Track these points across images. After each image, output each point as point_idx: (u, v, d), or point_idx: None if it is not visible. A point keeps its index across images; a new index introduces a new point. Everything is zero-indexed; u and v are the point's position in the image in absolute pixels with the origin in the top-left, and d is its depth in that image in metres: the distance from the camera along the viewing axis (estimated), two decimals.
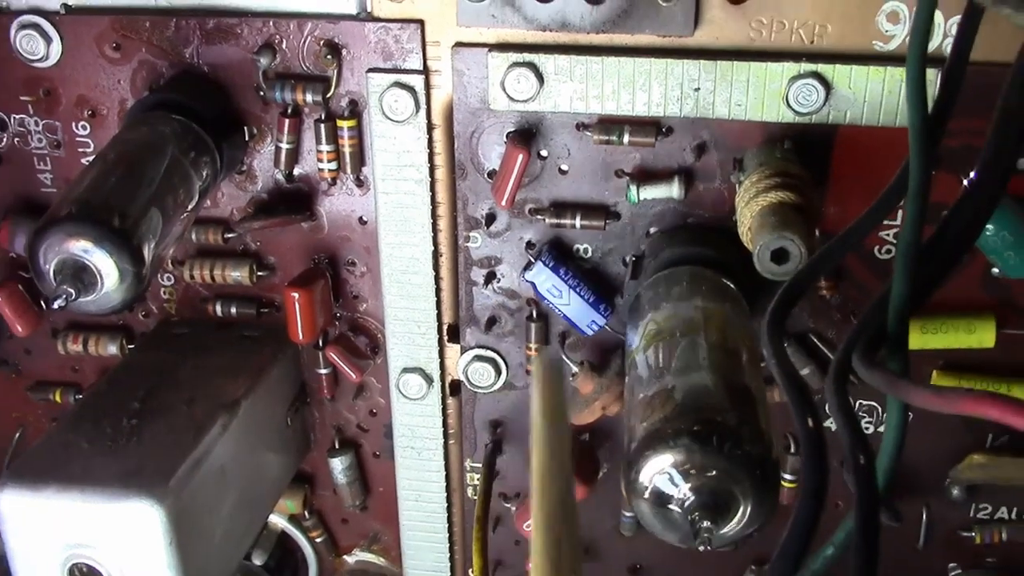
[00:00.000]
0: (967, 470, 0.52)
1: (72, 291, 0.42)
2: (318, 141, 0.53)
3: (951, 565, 0.58)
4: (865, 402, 0.55)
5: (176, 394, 0.52)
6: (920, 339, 0.51)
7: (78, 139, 0.55)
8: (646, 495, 0.39)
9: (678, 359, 0.43)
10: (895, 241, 0.51)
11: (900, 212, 0.50)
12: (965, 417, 0.53)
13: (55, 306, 0.42)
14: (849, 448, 0.31)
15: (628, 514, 0.59)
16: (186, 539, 0.47)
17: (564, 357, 0.55)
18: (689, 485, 0.38)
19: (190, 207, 0.49)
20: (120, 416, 0.50)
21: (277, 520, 0.64)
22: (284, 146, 0.53)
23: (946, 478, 0.55)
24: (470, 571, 0.64)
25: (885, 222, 0.50)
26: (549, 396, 0.47)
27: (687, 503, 0.38)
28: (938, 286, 0.37)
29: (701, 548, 0.38)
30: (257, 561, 0.63)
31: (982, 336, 0.51)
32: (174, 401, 0.52)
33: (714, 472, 0.38)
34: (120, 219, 0.44)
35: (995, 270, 0.50)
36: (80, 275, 0.43)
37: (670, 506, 0.39)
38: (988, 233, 0.47)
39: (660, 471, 0.39)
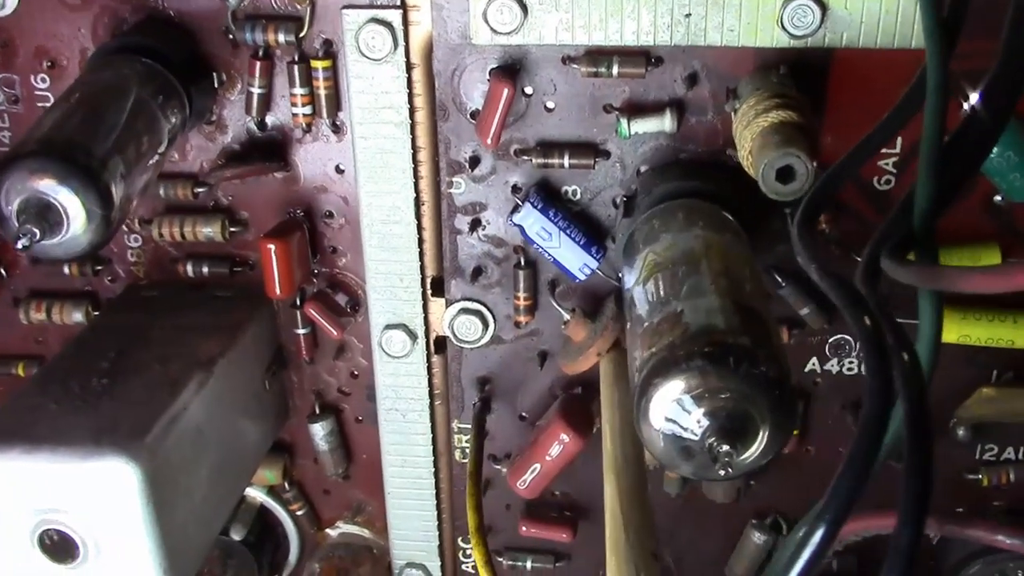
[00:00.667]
0: (976, 405, 0.51)
1: (36, 231, 0.39)
2: (291, 84, 0.50)
3: (958, 509, 0.56)
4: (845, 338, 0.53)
5: (148, 353, 0.50)
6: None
7: (37, 93, 0.52)
8: (659, 424, 0.37)
9: (683, 286, 0.41)
10: (895, 170, 0.49)
11: (899, 139, 0.49)
12: (968, 353, 0.52)
13: (19, 246, 0.39)
14: (896, 344, 0.29)
15: None
16: (164, 500, 0.44)
17: (554, 303, 0.53)
18: (703, 410, 0.36)
19: (159, 152, 0.46)
20: (89, 376, 0.47)
21: (256, 494, 0.61)
22: (256, 91, 0.51)
23: (951, 419, 0.54)
24: (459, 540, 0.62)
25: (884, 150, 0.49)
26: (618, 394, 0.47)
27: (703, 428, 0.36)
28: (960, 191, 0.35)
29: (722, 473, 0.35)
30: (236, 536, 0.60)
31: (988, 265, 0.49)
32: (146, 360, 0.49)
33: (730, 394, 0.36)
34: (86, 157, 0.41)
35: (998, 198, 0.49)
36: (45, 214, 0.40)
37: (685, 434, 0.37)
38: (993, 155, 0.46)
39: (674, 396, 0.37)
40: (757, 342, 0.37)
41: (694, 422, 0.36)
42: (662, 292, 0.42)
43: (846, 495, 0.28)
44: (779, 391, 0.36)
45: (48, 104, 0.52)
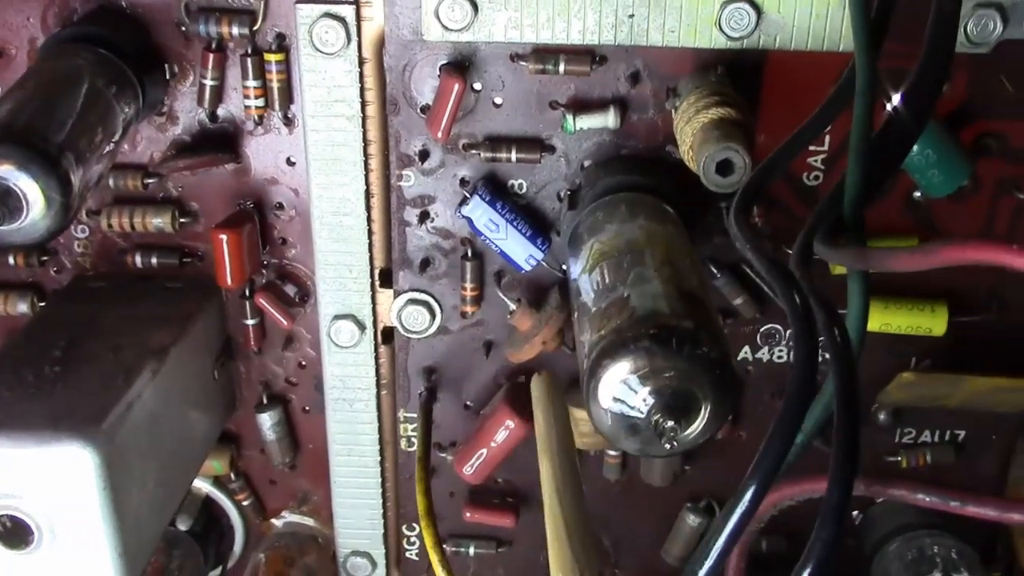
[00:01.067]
0: (896, 390, 0.54)
1: None
2: (244, 76, 0.51)
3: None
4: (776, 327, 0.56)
5: (100, 343, 0.50)
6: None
7: None
8: (607, 403, 0.39)
9: (628, 273, 0.43)
10: (823, 167, 0.52)
11: (827, 138, 0.51)
12: (888, 342, 0.55)
13: None
14: (825, 324, 0.31)
15: None
16: (119, 486, 0.45)
17: (500, 294, 0.54)
18: (649, 388, 0.38)
19: (113, 141, 0.47)
20: (42, 364, 0.48)
21: (201, 484, 0.62)
22: (208, 83, 0.51)
23: (873, 404, 0.57)
24: (403, 528, 0.63)
25: (813, 147, 0.52)
26: (553, 410, 0.48)
27: (649, 406, 0.38)
28: (885, 182, 0.38)
29: (667, 446, 0.38)
30: (182, 527, 0.61)
31: None
32: (98, 349, 0.49)
33: (675, 373, 0.38)
34: (45, 143, 0.41)
35: (917, 194, 0.52)
36: (4, 199, 0.40)
37: (632, 412, 0.39)
38: (913, 152, 0.49)
39: (621, 377, 0.39)
40: (700, 325, 0.39)
41: (640, 400, 0.38)
42: (608, 279, 0.44)
43: (774, 456, 0.31)
44: (720, 370, 0.39)
45: None
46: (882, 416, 0.57)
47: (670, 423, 0.38)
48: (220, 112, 0.53)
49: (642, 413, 0.38)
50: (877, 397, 0.56)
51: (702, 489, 0.61)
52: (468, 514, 0.60)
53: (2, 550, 0.44)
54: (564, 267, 0.55)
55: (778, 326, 0.56)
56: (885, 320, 0.53)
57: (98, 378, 0.47)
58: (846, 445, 0.30)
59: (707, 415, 0.39)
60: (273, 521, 0.63)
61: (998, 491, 0.57)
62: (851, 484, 0.29)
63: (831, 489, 0.29)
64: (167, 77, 0.52)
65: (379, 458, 0.60)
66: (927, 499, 0.43)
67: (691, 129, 0.46)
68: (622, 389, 0.39)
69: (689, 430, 0.39)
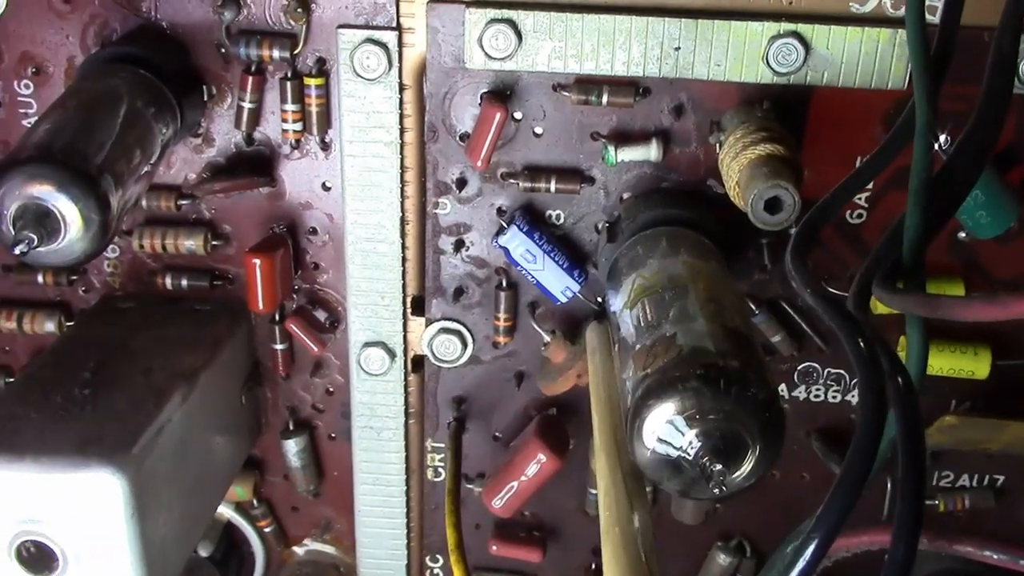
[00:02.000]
0: (936, 433, 0.53)
1: (34, 237, 0.39)
2: (283, 100, 0.51)
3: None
4: (833, 371, 0.55)
5: (130, 365, 0.49)
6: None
7: (20, 99, 0.52)
8: (652, 443, 0.38)
9: (672, 310, 0.42)
10: (867, 205, 0.51)
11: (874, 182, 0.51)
12: (928, 383, 0.54)
13: (16, 252, 0.39)
14: (890, 371, 0.30)
15: (594, 492, 0.58)
16: (146, 513, 0.44)
17: (534, 326, 0.54)
18: (697, 430, 0.37)
19: (151, 162, 0.46)
20: (71, 386, 0.47)
21: (223, 510, 0.61)
22: (247, 105, 0.51)
23: None
24: (427, 559, 0.62)
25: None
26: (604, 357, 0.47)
27: (697, 448, 0.37)
28: (944, 223, 0.37)
29: (716, 491, 0.37)
30: (203, 552, 0.60)
31: None
32: (128, 372, 0.49)
33: (723, 416, 0.37)
34: (85, 164, 0.41)
35: (961, 234, 0.51)
36: (43, 221, 0.40)
37: (677, 453, 0.38)
38: None
39: (667, 417, 0.38)
40: (747, 365, 0.39)
41: (687, 442, 0.38)
42: (650, 315, 0.43)
43: (840, 510, 0.30)
44: (769, 413, 0.38)
45: (30, 111, 0.52)
46: None
47: (718, 467, 0.37)
48: (256, 135, 0.52)
49: (689, 456, 0.37)
50: None
51: (733, 528, 0.60)
52: (495, 547, 0.59)
53: None
54: (599, 299, 0.54)
55: (815, 364, 0.55)
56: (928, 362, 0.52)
57: (128, 401, 0.46)
58: (912, 499, 0.29)
59: (756, 458, 0.38)
60: (295, 549, 0.62)
61: None
62: (916, 540, 0.28)
63: (895, 545, 0.28)
64: (205, 99, 0.51)
65: (405, 488, 0.59)
66: (995, 557, 0.42)
67: (738, 165, 0.45)
68: (668, 429, 0.38)
69: (737, 473, 0.38)
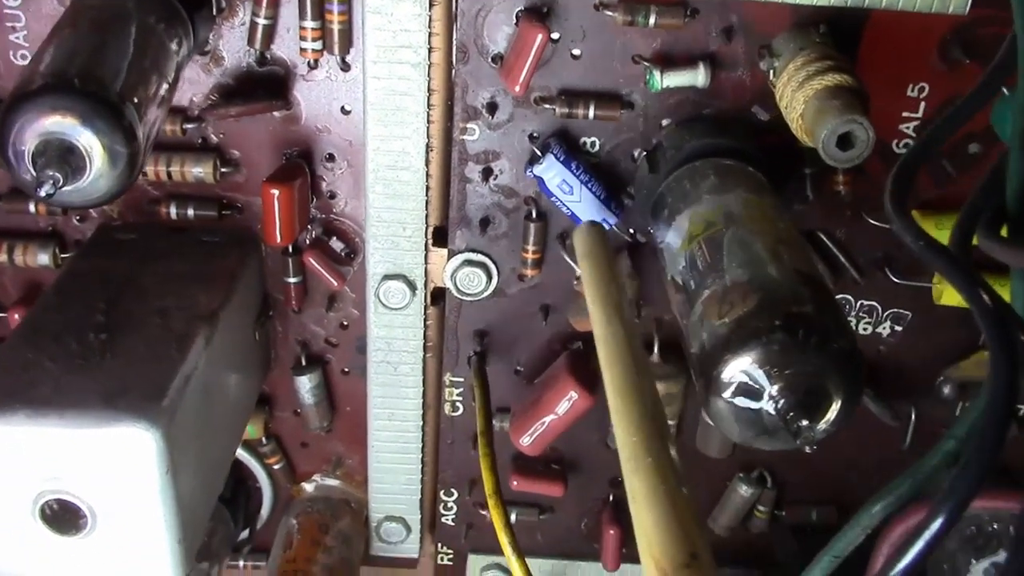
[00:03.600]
0: (971, 366, 0.52)
1: (60, 176, 0.35)
2: (302, 16, 0.47)
3: None
4: (866, 303, 0.54)
5: (143, 305, 0.46)
6: (936, 235, 0.50)
7: (6, 11, 0.47)
8: (729, 395, 0.36)
9: (739, 253, 0.40)
10: (914, 135, 0.49)
11: (923, 104, 0.49)
12: (961, 316, 0.54)
13: (42, 194, 0.35)
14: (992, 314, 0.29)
15: None
16: (178, 467, 0.41)
17: (566, 258, 0.51)
18: (779, 385, 0.36)
19: (169, 86, 0.42)
20: (84, 330, 0.43)
21: None
22: (261, 21, 0.47)
23: (938, 377, 0.55)
24: (441, 493, 0.60)
25: (904, 113, 0.49)
26: (598, 262, 0.44)
27: (781, 403, 0.36)
28: None
29: (805, 446, 0.35)
30: None
31: None
32: (143, 313, 0.45)
33: (809, 369, 0.36)
34: (106, 91, 0.37)
35: None
36: (66, 158, 0.36)
37: (757, 406, 0.36)
38: None
39: (747, 369, 0.36)
40: (827, 314, 0.37)
41: (768, 395, 0.36)
42: (712, 257, 0.41)
43: (972, 483, 0.28)
44: (851, 364, 0.36)
45: (18, 24, 0.47)
46: (947, 389, 0.55)
47: (805, 422, 0.35)
48: (269, 54, 0.48)
49: (771, 411, 0.36)
50: (945, 371, 0.55)
51: (755, 459, 0.59)
52: (515, 483, 0.57)
53: (52, 536, 0.41)
54: (633, 231, 0.52)
55: (848, 296, 0.54)
56: None
57: (148, 347, 0.43)
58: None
59: (839, 409, 0.36)
60: (304, 485, 0.60)
61: None
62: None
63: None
64: (214, 13, 0.47)
65: (420, 423, 0.57)
66: None
67: (803, 96, 0.42)
68: (747, 382, 0.36)
69: (820, 426, 0.36)
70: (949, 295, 0.52)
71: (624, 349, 0.39)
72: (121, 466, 0.40)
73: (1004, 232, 0.34)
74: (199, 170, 0.50)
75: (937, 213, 0.50)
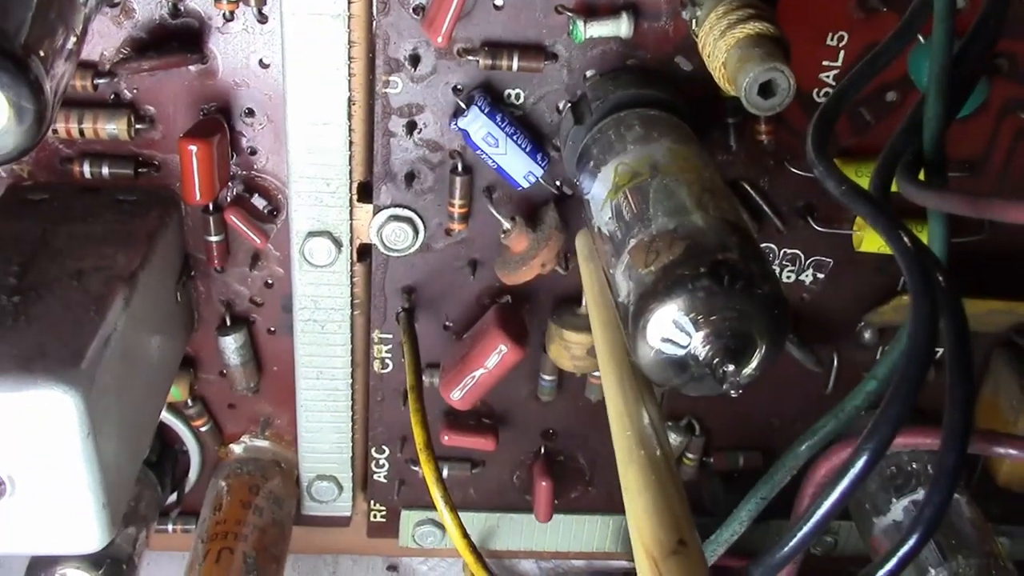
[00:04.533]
0: (891, 311, 0.54)
1: None
2: None
3: None
4: (789, 251, 0.55)
5: (59, 267, 0.44)
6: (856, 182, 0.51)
7: None
8: (657, 342, 0.37)
9: (665, 202, 0.40)
10: (834, 83, 0.50)
11: (842, 53, 0.49)
12: (878, 262, 0.55)
13: None
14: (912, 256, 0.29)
15: (548, 378, 0.57)
16: (100, 430, 0.40)
17: (493, 212, 0.51)
18: (706, 331, 0.36)
19: (76, 38, 0.40)
20: None
21: None
22: None
23: (859, 323, 0.57)
24: (372, 451, 0.60)
25: (824, 63, 0.49)
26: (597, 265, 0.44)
27: (707, 349, 0.36)
28: (957, 112, 0.36)
29: (731, 391, 0.36)
30: None
31: None
32: (58, 274, 0.44)
33: (735, 315, 0.36)
34: (9, 43, 0.35)
35: None
36: None
37: (683, 352, 0.37)
38: None
39: (674, 317, 0.36)
40: (752, 260, 0.37)
41: (696, 342, 0.36)
42: (638, 207, 0.41)
43: (895, 419, 0.29)
44: (777, 308, 0.37)
45: None
46: (867, 334, 0.57)
47: (730, 367, 0.36)
48: (182, 6, 0.47)
49: (699, 356, 0.36)
50: (865, 316, 0.56)
51: (682, 408, 0.60)
52: (446, 438, 0.57)
53: None
54: (559, 183, 0.51)
55: (772, 245, 0.54)
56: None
57: (65, 309, 0.42)
58: (961, 406, 0.28)
59: (763, 354, 0.37)
60: (232, 447, 0.60)
61: None
62: (966, 447, 0.28)
63: (945, 453, 0.28)
64: None
65: (349, 381, 0.56)
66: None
67: (725, 45, 0.42)
68: (674, 329, 0.36)
69: (746, 371, 0.37)
70: (869, 242, 0.53)
71: (621, 350, 0.40)
72: (40, 431, 0.39)
73: (922, 177, 0.35)
74: (113, 127, 0.48)
75: (856, 161, 0.51)
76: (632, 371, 0.39)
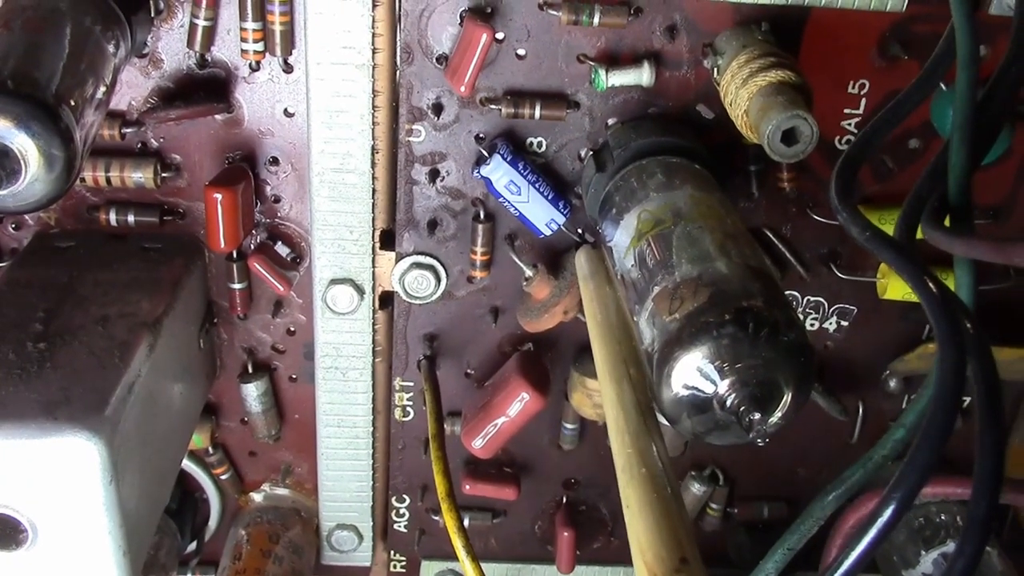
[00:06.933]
0: (916, 360, 0.53)
1: None
2: (243, 18, 0.46)
3: None
4: (812, 299, 0.54)
5: (83, 313, 0.45)
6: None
7: None
8: (681, 390, 0.36)
9: (688, 249, 0.40)
10: (856, 131, 0.50)
11: (863, 100, 0.49)
12: (903, 309, 0.54)
13: None
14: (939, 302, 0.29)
15: (570, 426, 0.57)
16: (122, 478, 0.40)
17: (515, 260, 0.51)
18: (731, 378, 0.36)
19: (106, 88, 0.41)
20: (22, 340, 0.42)
21: None
22: (201, 23, 0.46)
23: (884, 371, 0.56)
24: (393, 500, 0.60)
25: (846, 110, 0.50)
26: (598, 283, 0.44)
27: (732, 396, 0.36)
28: (983, 157, 0.36)
29: (760, 442, 0.35)
30: None
31: None
32: (83, 321, 0.44)
33: (760, 363, 0.36)
34: (42, 93, 0.36)
35: None
36: (1, 160, 0.35)
37: (708, 400, 0.36)
38: None
39: (698, 364, 0.36)
40: (777, 307, 0.37)
41: (721, 389, 0.36)
42: (661, 254, 0.41)
43: (923, 467, 0.28)
44: (803, 356, 0.36)
45: None
46: (893, 383, 0.56)
47: (756, 415, 0.35)
48: (209, 56, 0.48)
49: (725, 404, 0.36)
50: (891, 365, 0.55)
51: (706, 457, 0.59)
52: (467, 487, 0.57)
53: None
54: (581, 231, 0.52)
55: (795, 292, 0.54)
56: (908, 290, 0.52)
57: (90, 356, 0.42)
58: (992, 454, 0.28)
59: (790, 401, 0.36)
60: (252, 495, 0.59)
61: None
62: (998, 495, 0.28)
63: (976, 501, 0.28)
64: (152, 15, 0.46)
65: (371, 429, 0.56)
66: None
67: (747, 93, 0.43)
68: (699, 377, 0.36)
69: (772, 419, 0.36)
70: (893, 289, 0.53)
71: (622, 368, 0.40)
72: (63, 478, 0.39)
73: (947, 223, 0.34)
74: (139, 175, 0.49)
75: (879, 208, 0.51)
76: (632, 387, 0.38)
